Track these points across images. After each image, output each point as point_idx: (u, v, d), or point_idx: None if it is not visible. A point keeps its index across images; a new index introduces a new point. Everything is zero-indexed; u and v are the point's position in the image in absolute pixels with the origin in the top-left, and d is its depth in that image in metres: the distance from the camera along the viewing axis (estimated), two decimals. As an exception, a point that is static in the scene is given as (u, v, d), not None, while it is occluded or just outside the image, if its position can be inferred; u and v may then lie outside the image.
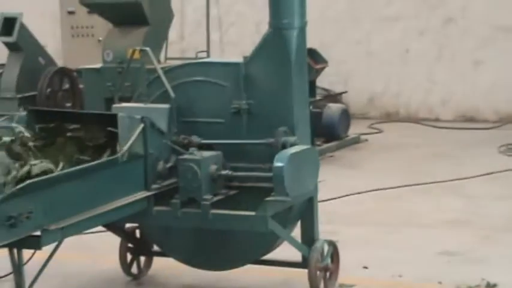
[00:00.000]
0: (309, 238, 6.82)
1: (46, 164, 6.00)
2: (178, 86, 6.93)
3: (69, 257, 6.57)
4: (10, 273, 6.04)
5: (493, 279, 7.05)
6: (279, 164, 6.24)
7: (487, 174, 10.68)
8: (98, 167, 6.16)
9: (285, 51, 6.71)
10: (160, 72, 6.99)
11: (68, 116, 7.05)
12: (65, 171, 6.00)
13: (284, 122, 6.62)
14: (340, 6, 14.65)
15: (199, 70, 7.18)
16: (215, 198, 6.50)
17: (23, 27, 13.52)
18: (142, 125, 6.37)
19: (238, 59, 6.99)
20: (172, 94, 6.85)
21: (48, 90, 12.83)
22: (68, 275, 6.98)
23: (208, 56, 14.68)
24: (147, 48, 7.66)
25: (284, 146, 6.43)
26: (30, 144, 6.17)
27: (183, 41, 15.60)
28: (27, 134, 6.15)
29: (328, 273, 6.86)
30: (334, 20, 14.47)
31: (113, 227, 7.07)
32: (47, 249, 5.76)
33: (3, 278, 6.75)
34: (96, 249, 7.44)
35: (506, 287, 6.97)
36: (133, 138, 6.30)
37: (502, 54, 13.89)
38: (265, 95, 6.72)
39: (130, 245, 7.41)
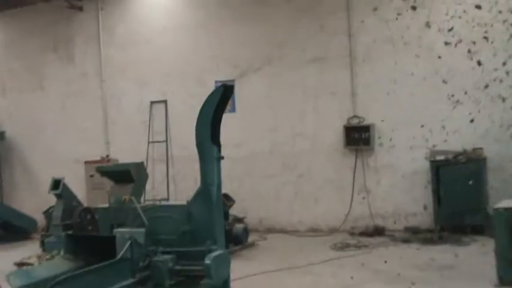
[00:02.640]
0: (226, 303, 6.79)
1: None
2: (150, 218, 6.93)
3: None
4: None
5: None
6: (208, 262, 6.28)
7: (325, 261, 10.58)
8: (106, 266, 6.12)
9: (209, 197, 6.78)
10: (140, 210, 7.00)
11: (88, 238, 7.03)
12: (87, 268, 5.95)
13: (210, 237, 6.67)
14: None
15: (161, 209, 7.23)
16: (172, 282, 6.48)
17: (64, 184, 13.39)
18: (129, 241, 6.35)
19: (183, 202, 7.02)
20: (146, 222, 6.84)
21: (78, 220, 12.68)
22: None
23: (168, 200, 14.57)
24: (133, 197, 7.68)
25: (210, 251, 6.45)
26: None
27: (154, 190, 15.45)
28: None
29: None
30: (237, 177, 14.41)
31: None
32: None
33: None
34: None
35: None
36: (125, 248, 6.29)
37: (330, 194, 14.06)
38: (199, 222, 6.76)
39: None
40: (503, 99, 12.27)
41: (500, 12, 12.28)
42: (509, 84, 12.19)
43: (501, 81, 12.32)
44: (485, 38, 12.42)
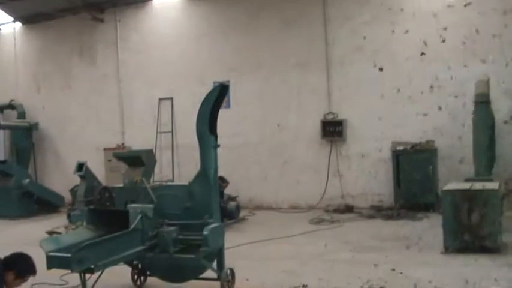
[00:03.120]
0: (221, 266, 6.81)
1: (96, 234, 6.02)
2: (158, 195, 6.93)
3: (107, 276, 6.46)
4: (79, 285, 5.96)
5: (306, 282, 7.10)
6: (206, 233, 6.32)
7: (303, 233, 10.64)
8: (121, 235, 6.17)
9: (208, 179, 6.77)
10: (149, 189, 7.00)
11: (106, 212, 7.07)
12: (105, 237, 6.00)
13: (208, 212, 6.66)
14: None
15: (168, 188, 7.22)
16: (176, 249, 6.50)
17: (87, 167, 13.41)
18: (140, 214, 6.39)
19: (186, 183, 7.03)
20: (154, 199, 6.86)
21: (98, 197, 12.69)
22: (106, 284, 6.83)
23: (172, 181, 14.60)
24: (143, 179, 7.70)
25: (208, 224, 6.47)
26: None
27: (161, 173, 15.47)
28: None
29: (229, 283, 6.84)
30: (231, 162, 14.35)
31: (128, 263, 7.01)
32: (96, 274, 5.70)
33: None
34: (120, 273, 7.29)
35: (312, 286, 7.00)
36: (136, 220, 6.34)
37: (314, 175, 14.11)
38: (199, 199, 6.74)
39: (136, 270, 7.34)
40: (452, 100, 12.40)
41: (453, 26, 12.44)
42: (457, 87, 12.30)
43: (450, 85, 12.44)
44: (438, 48, 12.58)
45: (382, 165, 13.08)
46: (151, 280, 7.33)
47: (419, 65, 12.74)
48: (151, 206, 6.70)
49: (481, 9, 12.12)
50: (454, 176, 11.31)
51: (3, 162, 15.94)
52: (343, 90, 13.56)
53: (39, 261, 5.60)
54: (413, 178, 12.09)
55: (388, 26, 13.09)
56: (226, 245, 7.02)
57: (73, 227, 11.05)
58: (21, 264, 5.13)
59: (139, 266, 7.31)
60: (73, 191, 14.07)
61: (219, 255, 6.80)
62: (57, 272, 5.99)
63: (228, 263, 6.97)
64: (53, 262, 5.55)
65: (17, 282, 5.09)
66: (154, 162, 13.11)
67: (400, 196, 12.41)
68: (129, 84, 16.56)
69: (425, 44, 12.71)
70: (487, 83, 10.81)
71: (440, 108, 12.50)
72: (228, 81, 14.11)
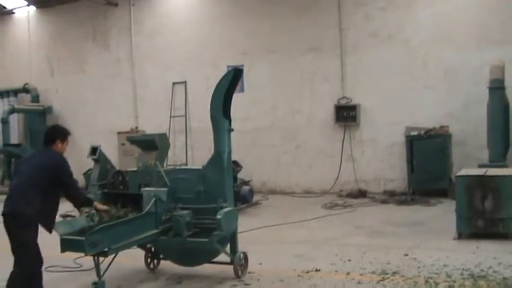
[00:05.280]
0: (234, 250, 6.82)
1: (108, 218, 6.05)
2: (171, 179, 6.91)
3: (121, 260, 6.47)
4: (92, 268, 5.98)
5: (319, 267, 7.09)
6: (219, 217, 6.32)
7: (316, 218, 10.61)
8: (135, 218, 6.18)
9: (221, 163, 6.75)
10: (163, 173, 7.00)
11: (120, 195, 7.07)
12: (119, 220, 6.01)
13: (221, 196, 6.64)
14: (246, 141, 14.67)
15: (181, 172, 7.18)
16: (189, 233, 6.51)
17: (100, 151, 13.46)
18: (154, 198, 6.39)
19: (199, 166, 7.02)
20: (168, 183, 6.85)
21: (112, 180, 12.73)
22: (120, 267, 6.87)
23: (186, 165, 14.60)
24: (157, 162, 7.68)
25: (221, 208, 6.46)
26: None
27: (175, 156, 15.44)
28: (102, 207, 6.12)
29: (242, 267, 6.85)
30: (244, 147, 14.33)
31: (142, 246, 7.03)
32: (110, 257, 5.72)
33: (90, 270, 6.66)
34: (134, 256, 7.31)
35: (325, 270, 6.98)
36: (150, 204, 6.34)
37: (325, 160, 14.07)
38: (212, 183, 6.72)
39: (149, 254, 7.36)
40: (466, 86, 12.26)
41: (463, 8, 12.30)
42: (472, 72, 12.18)
43: (464, 70, 12.33)
44: (453, 33, 12.47)
45: (396, 150, 13.01)
46: (165, 263, 7.35)
47: (434, 50, 12.62)
48: (164, 189, 6.69)
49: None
50: (468, 162, 11.23)
51: (18, 145, 16.03)
52: (357, 75, 13.47)
53: (54, 244, 5.63)
54: (427, 164, 12.01)
55: (402, 11, 12.98)
56: (239, 229, 7.02)
57: (87, 210, 11.11)
58: (58, 132, 5.96)
59: (153, 249, 7.33)
60: (87, 175, 14.14)
61: (232, 239, 6.80)
62: (71, 255, 6.03)
63: (241, 247, 6.97)
64: (67, 245, 5.57)
65: (65, 144, 5.92)
66: (167, 146, 13.08)
67: (414, 181, 12.37)
68: (142, 68, 16.56)
69: (440, 29, 12.58)
70: (502, 68, 10.67)
71: (454, 94, 12.39)
72: (242, 65, 14.06)
